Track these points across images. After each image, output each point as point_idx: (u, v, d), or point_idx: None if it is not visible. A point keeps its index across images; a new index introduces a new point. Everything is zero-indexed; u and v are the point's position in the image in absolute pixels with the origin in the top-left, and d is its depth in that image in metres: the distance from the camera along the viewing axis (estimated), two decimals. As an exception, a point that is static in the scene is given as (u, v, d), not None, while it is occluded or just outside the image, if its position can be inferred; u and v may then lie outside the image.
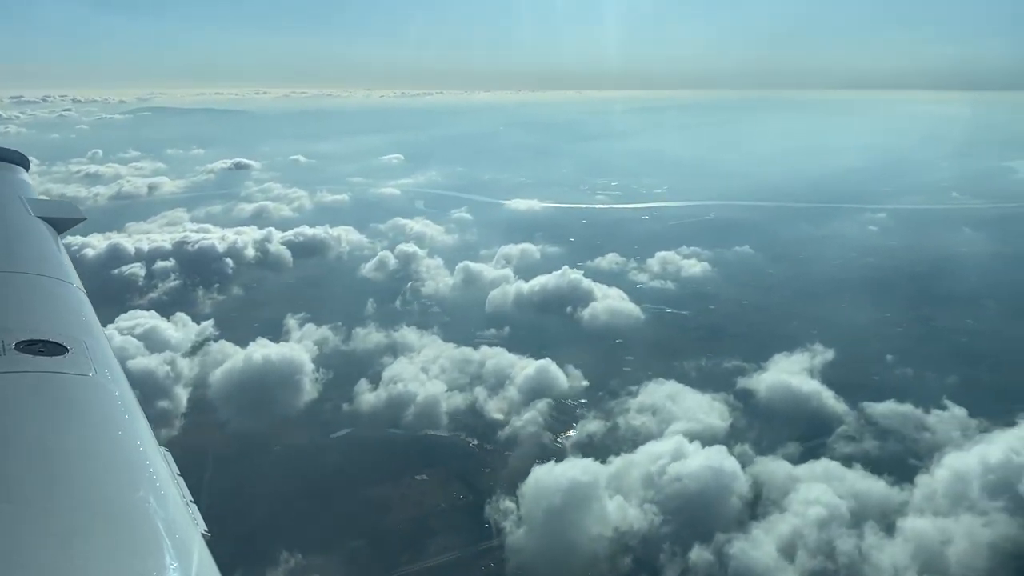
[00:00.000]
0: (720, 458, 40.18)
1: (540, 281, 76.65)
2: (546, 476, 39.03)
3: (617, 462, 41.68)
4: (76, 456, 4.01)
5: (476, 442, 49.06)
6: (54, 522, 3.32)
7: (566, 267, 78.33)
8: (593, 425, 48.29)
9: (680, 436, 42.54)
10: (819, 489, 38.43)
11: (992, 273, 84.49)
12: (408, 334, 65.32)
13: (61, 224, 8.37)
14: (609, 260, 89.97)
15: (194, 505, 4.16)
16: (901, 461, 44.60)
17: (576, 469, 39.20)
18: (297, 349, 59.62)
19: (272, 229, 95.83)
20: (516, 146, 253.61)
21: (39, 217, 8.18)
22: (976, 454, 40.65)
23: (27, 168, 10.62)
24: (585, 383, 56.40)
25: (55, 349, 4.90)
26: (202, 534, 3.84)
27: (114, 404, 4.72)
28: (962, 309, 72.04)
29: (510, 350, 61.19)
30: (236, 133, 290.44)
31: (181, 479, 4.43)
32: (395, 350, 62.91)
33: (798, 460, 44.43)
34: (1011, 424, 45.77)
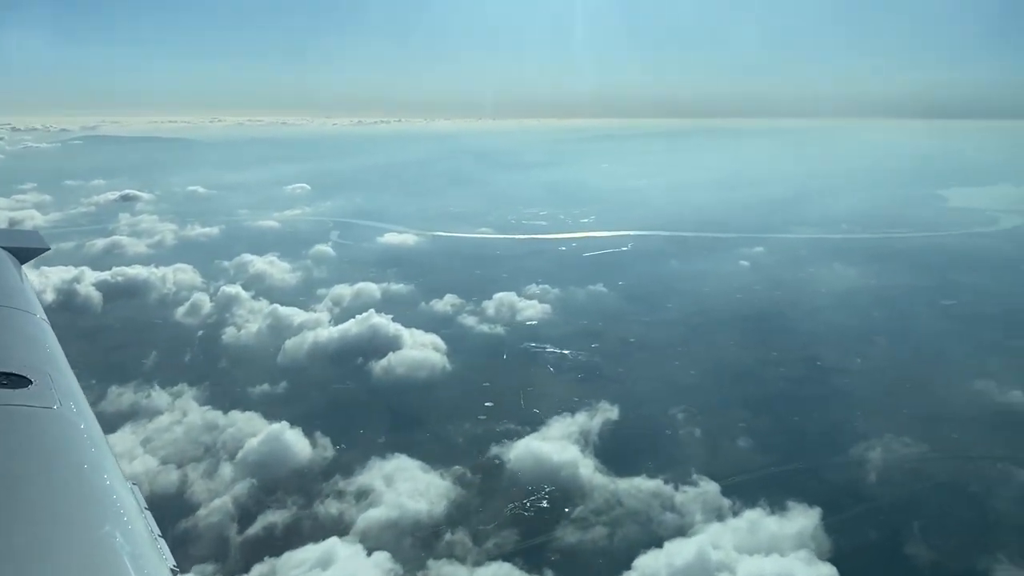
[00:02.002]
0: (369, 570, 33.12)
1: (342, 328, 69.67)
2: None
3: (259, 569, 34.59)
4: (41, 490, 3.92)
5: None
6: (19, 557, 3.20)
7: (372, 311, 71.45)
8: (280, 515, 40.98)
9: (335, 538, 35.50)
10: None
11: (837, 308, 79.38)
12: (161, 396, 57.99)
13: (24, 254, 8.85)
14: (446, 302, 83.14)
15: (162, 540, 4.27)
16: (628, 552, 38.11)
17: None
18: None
19: (86, 269, 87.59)
20: (449, 174, 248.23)
21: (1, 247, 8.49)
22: (668, 552, 34.27)
23: None
24: (330, 454, 49.56)
25: (19, 381, 4.90)
26: (171, 569, 3.96)
27: (80, 437, 4.69)
28: (782, 354, 66.31)
29: (269, 413, 54.38)
30: (162, 162, 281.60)
31: (149, 513, 4.46)
32: (140, 414, 55.76)
33: (510, 556, 38.02)
34: (753, 505, 39.84)
